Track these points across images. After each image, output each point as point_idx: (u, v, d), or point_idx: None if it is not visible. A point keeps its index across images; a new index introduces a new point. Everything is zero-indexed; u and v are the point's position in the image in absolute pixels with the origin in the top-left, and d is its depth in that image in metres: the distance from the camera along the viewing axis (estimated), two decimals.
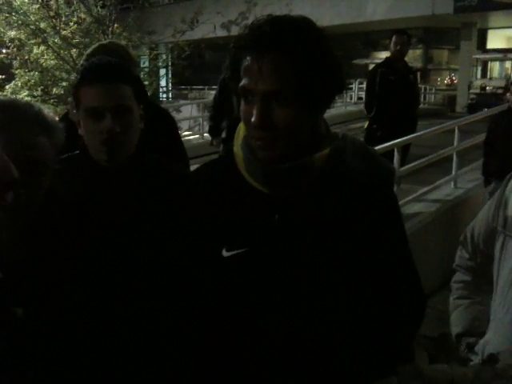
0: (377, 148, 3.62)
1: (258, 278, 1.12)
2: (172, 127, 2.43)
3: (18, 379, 0.93)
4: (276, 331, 1.12)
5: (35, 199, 1.21)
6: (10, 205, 1.03)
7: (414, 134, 5.06)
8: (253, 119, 1.02)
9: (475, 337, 1.50)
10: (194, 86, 24.06)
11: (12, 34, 12.68)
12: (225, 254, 1.12)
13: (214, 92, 5.61)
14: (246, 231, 1.12)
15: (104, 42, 2.76)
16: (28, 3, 12.45)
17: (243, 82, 1.04)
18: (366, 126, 5.37)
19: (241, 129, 1.17)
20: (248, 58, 1.02)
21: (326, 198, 1.11)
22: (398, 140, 4.56)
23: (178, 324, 1.24)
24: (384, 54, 6.52)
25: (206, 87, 22.35)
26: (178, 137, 2.52)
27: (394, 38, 5.04)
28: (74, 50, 12.54)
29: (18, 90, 13.34)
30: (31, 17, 12.40)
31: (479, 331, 1.50)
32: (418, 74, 5.55)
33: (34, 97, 12.88)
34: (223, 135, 4.08)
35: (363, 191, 1.11)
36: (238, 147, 1.16)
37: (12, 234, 1.15)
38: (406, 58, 5.27)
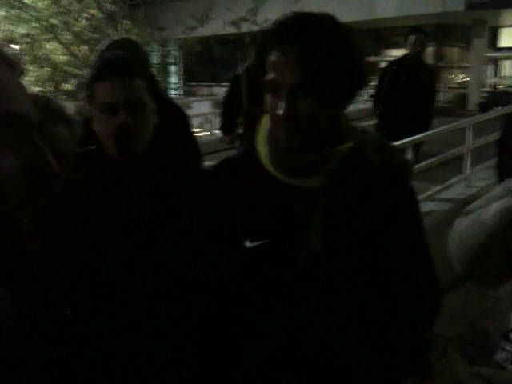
0: None
1: (273, 270, 1.13)
2: (185, 122, 2.43)
3: (17, 373, 0.91)
4: (276, 331, 1.13)
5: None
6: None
7: (426, 133, 5.02)
8: (279, 111, 1.05)
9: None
10: (203, 83, 24.01)
11: (23, 30, 12.73)
12: (248, 244, 1.14)
13: (222, 89, 5.60)
14: (268, 223, 1.14)
15: (116, 37, 2.74)
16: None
17: (270, 75, 1.07)
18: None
19: (264, 121, 1.19)
20: (274, 52, 1.06)
21: (346, 190, 1.12)
22: (410, 138, 4.53)
23: (180, 323, 1.23)
24: (395, 52, 6.48)
25: (214, 84, 22.28)
26: (191, 132, 2.51)
27: (414, 38, 4.92)
28: (85, 46, 12.58)
29: (30, 86, 13.41)
30: (42, 12, 12.44)
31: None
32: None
33: (45, 93, 12.93)
34: (239, 131, 4.10)
35: (380, 184, 1.13)
36: (261, 139, 1.18)
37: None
38: None
